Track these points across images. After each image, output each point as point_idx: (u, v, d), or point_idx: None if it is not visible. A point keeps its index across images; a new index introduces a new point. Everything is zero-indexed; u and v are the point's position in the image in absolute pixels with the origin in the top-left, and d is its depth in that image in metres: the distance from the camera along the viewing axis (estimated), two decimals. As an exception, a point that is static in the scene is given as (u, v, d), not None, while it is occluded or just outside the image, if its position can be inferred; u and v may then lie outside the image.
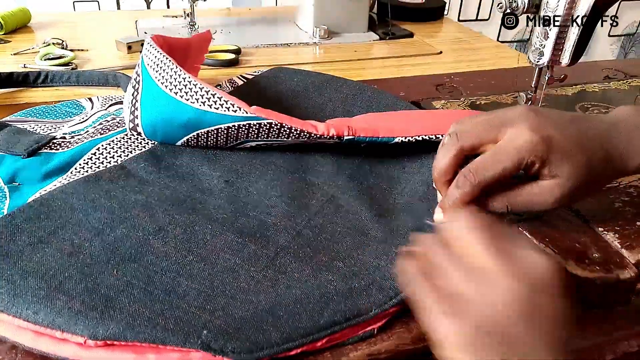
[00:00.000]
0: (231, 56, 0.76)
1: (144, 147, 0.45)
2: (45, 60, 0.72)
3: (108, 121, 0.49)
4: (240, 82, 0.60)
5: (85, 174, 0.41)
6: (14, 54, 0.76)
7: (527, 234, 0.38)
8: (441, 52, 0.88)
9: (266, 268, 0.32)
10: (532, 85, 0.53)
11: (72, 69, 0.71)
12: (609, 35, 1.70)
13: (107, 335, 0.27)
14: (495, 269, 0.26)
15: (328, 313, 0.29)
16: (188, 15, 0.90)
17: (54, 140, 0.45)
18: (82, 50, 0.79)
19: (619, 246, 0.37)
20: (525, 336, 0.25)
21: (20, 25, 0.89)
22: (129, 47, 0.78)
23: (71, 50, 0.77)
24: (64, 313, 0.28)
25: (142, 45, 0.78)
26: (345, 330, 0.29)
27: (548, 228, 0.38)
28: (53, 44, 0.78)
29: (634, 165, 0.34)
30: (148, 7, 1.16)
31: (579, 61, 0.50)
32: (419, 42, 0.93)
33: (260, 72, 0.62)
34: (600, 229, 0.39)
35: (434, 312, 0.26)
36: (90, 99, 0.57)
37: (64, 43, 0.79)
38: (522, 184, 0.34)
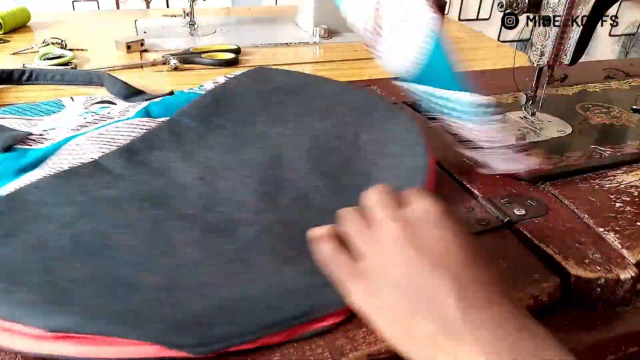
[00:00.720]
0: (231, 56, 0.76)
1: (121, 144, 0.45)
2: (44, 60, 0.72)
3: (85, 119, 0.50)
4: (222, 82, 0.60)
5: (60, 169, 0.41)
6: (13, 54, 0.76)
7: (527, 234, 0.38)
8: (441, 52, 0.87)
9: (230, 262, 0.32)
10: (532, 85, 0.53)
11: (72, 68, 0.71)
12: (610, 35, 1.70)
13: (65, 328, 0.27)
14: (382, 224, 0.28)
15: (287, 308, 0.29)
16: (187, 14, 0.89)
17: (30, 137, 0.45)
18: (82, 50, 0.78)
19: (620, 246, 0.37)
20: (425, 280, 0.26)
21: (19, 24, 0.89)
22: (128, 47, 0.78)
23: (70, 50, 0.77)
24: (22, 306, 0.28)
25: (142, 44, 0.79)
26: (303, 325, 0.29)
27: (549, 228, 0.38)
28: (52, 43, 0.78)
29: None
30: (147, 7, 1.16)
31: (580, 61, 0.50)
32: (419, 41, 0.93)
33: (243, 72, 0.62)
34: (600, 229, 0.39)
35: (345, 282, 0.28)
36: (72, 98, 0.57)
37: (63, 43, 0.79)
38: None
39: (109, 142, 0.45)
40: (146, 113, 0.51)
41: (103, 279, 0.30)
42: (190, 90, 0.57)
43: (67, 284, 0.30)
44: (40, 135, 0.46)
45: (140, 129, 0.47)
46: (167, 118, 0.49)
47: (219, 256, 0.33)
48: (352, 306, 0.28)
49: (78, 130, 0.46)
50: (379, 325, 0.27)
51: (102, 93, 0.62)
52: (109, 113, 0.52)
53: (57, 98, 0.57)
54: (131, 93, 0.60)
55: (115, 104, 0.57)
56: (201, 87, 0.57)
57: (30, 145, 0.44)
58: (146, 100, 0.57)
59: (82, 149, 0.44)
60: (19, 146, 0.44)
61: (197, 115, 0.50)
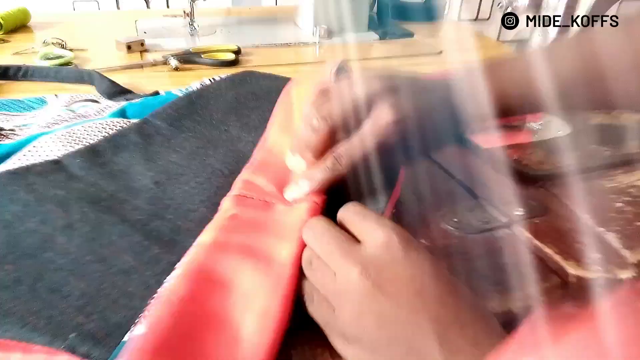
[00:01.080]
0: (231, 56, 0.76)
1: (88, 142, 0.45)
2: (44, 60, 0.72)
3: (60, 116, 0.50)
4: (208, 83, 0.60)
5: (22, 166, 0.41)
6: (14, 54, 0.76)
7: (528, 234, 0.38)
8: (441, 52, 0.88)
9: (163, 273, 0.31)
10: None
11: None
12: (609, 35, 1.70)
13: None
14: (340, 272, 0.25)
15: None
16: (188, 14, 0.89)
17: (2, 132, 0.46)
18: (82, 50, 0.78)
19: (620, 246, 0.37)
20: (401, 328, 0.23)
21: (19, 25, 0.89)
22: (129, 47, 0.78)
23: (70, 50, 0.77)
24: None
25: (142, 44, 0.79)
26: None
27: (548, 228, 0.38)
28: (52, 43, 0.78)
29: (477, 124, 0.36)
30: (147, 7, 1.16)
31: (580, 61, 0.50)
32: (419, 42, 0.93)
33: (228, 75, 0.61)
34: (600, 229, 0.39)
35: (326, 332, 0.26)
36: (56, 95, 0.58)
37: (63, 43, 0.79)
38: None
39: (76, 141, 0.45)
40: (121, 113, 0.51)
41: (29, 282, 0.30)
42: (177, 91, 0.57)
43: None
44: (11, 130, 0.46)
45: (110, 129, 0.47)
46: (140, 119, 0.49)
47: (152, 266, 0.32)
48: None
49: (49, 128, 0.47)
50: None
51: (94, 92, 0.62)
52: (86, 112, 0.52)
53: (42, 95, 0.58)
54: (116, 92, 0.60)
55: (99, 102, 0.57)
56: (188, 88, 0.57)
57: (2, 141, 0.45)
58: (128, 100, 0.57)
59: (49, 147, 0.43)
60: None
61: (169, 117, 0.49)
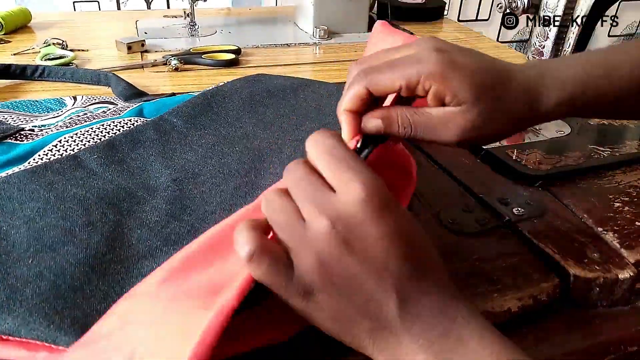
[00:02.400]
0: (231, 56, 0.76)
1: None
2: (45, 60, 0.72)
3: (79, 116, 0.50)
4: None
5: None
6: (14, 54, 0.76)
7: (526, 233, 0.38)
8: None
9: None
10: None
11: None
12: (609, 35, 1.70)
13: (2, 330, 0.27)
14: (309, 220, 0.25)
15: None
16: (188, 15, 0.90)
17: (22, 132, 0.46)
18: (83, 50, 0.79)
19: (618, 246, 0.37)
20: (362, 282, 0.24)
21: (20, 25, 0.89)
22: (129, 48, 0.78)
23: (71, 50, 0.77)
24: None
25: (143, 45, 0.79)
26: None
27: (548, 228, 0.38)
28: (53, 44, 0.78)
29: (550, 104, 0.32)
30: (148, 7, 1.16)
31: (579, 61, 0.50)
32: (419, 42, 0.93)
33: (243, 77, 0.61)
34: (599, 228, 0.39)
35: (278, 287, 0.25)
36: (74, 97, 0.58)
37: (64, 43, 0.79)
38: (426, 109, 0.31)
39: (95, 139, 0.45)
40: (139, 112, 0.51)
41: (51, 278, 0.30)
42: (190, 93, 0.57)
43: (14, 281, 0.29)
44: (31, 130, 0.46)
45: (129, 127, 0.47)
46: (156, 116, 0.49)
47: None
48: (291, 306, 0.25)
49: (68, 127, 0.47)
50: (318, 322, 0.26)
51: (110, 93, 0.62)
52: (104, 112, 0.53)
53: (60, 96, 0.58)
54: (133, 94, 0.60)
55: (116, 104, 0.57)
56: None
57: (20, 141, 0.45)
58: (144, 101, 0.57)
59: (70, 145, 0.44)
60: (7, 140, 0.44)
61: (184, 115, 0.50)
